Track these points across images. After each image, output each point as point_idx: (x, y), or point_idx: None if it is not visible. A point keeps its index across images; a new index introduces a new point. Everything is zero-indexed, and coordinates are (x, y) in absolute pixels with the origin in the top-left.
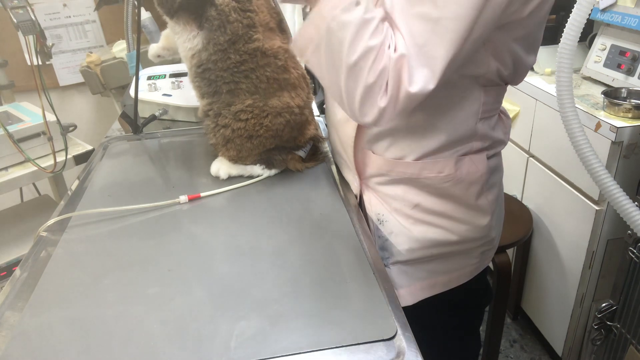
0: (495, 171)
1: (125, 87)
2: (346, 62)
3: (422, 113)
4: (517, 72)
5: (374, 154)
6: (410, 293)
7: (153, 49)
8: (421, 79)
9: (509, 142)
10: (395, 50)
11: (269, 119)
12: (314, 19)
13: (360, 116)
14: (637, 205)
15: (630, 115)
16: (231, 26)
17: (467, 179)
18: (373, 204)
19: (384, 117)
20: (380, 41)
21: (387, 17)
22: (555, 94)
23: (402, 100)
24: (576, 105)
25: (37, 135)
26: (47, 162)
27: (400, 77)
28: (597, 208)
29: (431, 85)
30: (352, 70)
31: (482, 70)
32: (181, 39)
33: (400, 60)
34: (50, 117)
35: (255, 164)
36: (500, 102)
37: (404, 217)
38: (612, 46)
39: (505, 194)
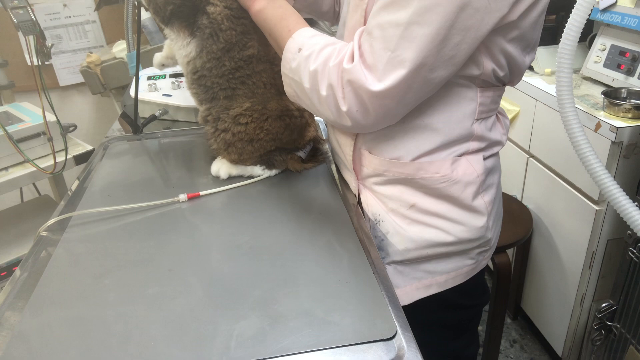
0: (492, 172)
1: (125, 87)
2: (307, 90)
3: (418, 114)
4: (512, 73)
5: (370, 154)
6: (406, 293)
7: (157, 58)
8: (390, 79)
9: (509, 142)
10: (350, 61)
11: (268, 122)
12: (284, 79)
13: (341, 123)
14: (637, 205)
15: (630, 115)
16: (224, 34)
17: (463, 179)
18: (370, 204)
19: (358, 119)
20: (321, 62)
21: (332, 42)
22: (555, 94)
23: (370, 100)
24: (576, 106)
25: (37, 135)
26: (47, 162)
27: (356, 82)
28: (597, 208)
29: (402, 84)
30: (311, 92)
31: (477, 71)
32: (176, 45)
33: (354, 68)
34: (50, 117)
35: (256, 165)
36: (498, 104)
37: (400, 217)
38: (612, 46)
39: (505, 194)
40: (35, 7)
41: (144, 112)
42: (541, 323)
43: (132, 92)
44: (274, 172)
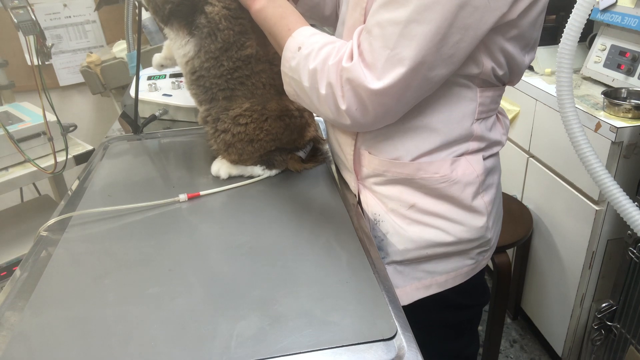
0: (492, 172)
1: (125, 87)
2: (306, 89)
3: (417, 114)
4: (512, 72)
5: (370, 155)
6: (405, 293)
7: (156, 59)
8: (389, 77)
9: (509, 142)
10: (349, 59)
11: (268, 122)
12: (283, 78)
13: (340, 121)
14: (637, 205)
15: (630, 115)
16: (222, 34)
17: (463, 180)
18: (370, 204)
19: (357, 117)
20: (320, 61)
21: (331, 41)
22: (555, 94)
23: (369, 98)
24: (576, 106)
25: (38, 135)
26: (48, 162)
27: (355, 80)
28: (597, 208)
29: (401, 83)
30: (311, 91)
31: (476, 70)
32: (175, 45)
33: (353, 67)
34: (51, 117)
35: (256, 165)
36: (498, 104)
37: (400, 217)
38: (612, 46)
39: (505, 194)
40: (35, 7)
41: (144, 112)
42: (541, 323)
43: (132, 92)
44: (274, 172)
